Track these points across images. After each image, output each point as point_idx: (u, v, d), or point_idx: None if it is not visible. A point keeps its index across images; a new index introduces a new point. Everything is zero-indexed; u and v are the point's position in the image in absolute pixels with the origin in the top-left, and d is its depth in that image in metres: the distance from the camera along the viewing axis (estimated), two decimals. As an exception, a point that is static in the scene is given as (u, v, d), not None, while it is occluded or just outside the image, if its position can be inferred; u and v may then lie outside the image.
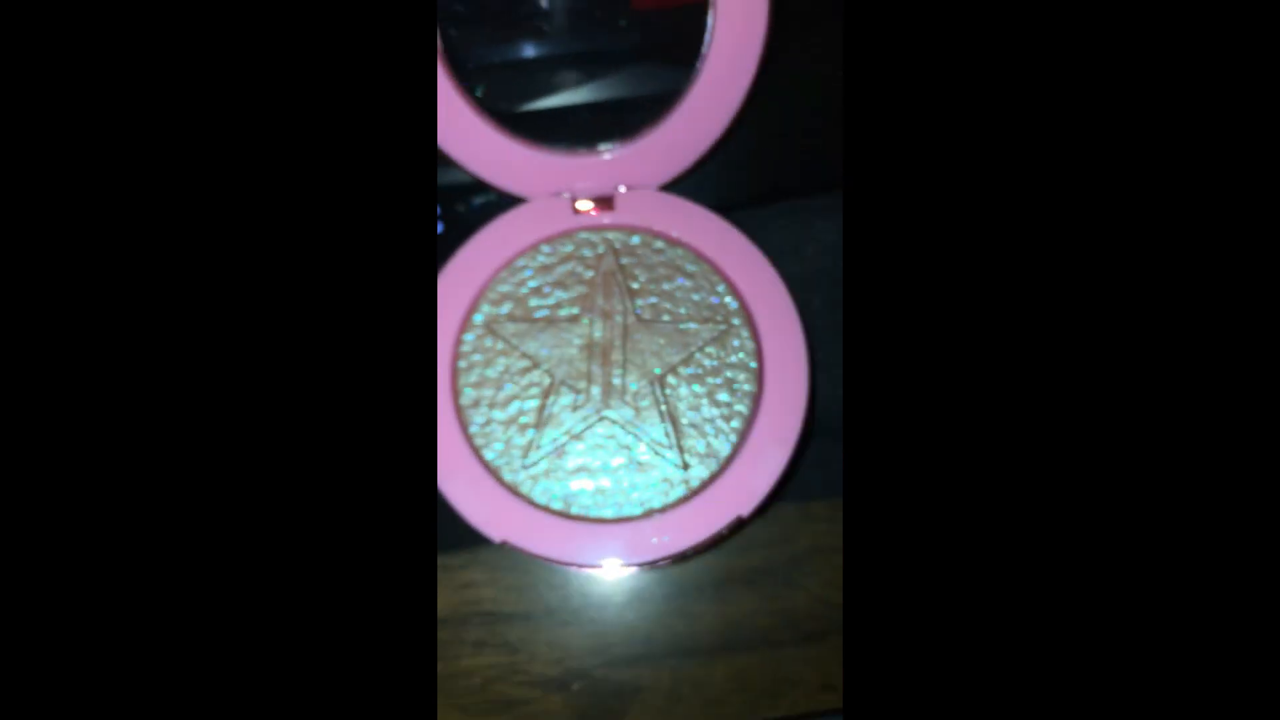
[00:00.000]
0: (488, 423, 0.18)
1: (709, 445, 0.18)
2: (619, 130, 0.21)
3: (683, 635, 0.22)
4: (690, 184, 0.21)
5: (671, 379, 0.19)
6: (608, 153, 0.20)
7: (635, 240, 0.20)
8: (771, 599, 0.22)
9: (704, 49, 0.20)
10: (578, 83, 0.23)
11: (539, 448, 0.18)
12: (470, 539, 0.22)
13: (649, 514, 0.18)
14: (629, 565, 0.18)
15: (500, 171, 0.20)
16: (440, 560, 0.22)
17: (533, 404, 0.18)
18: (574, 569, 0.18)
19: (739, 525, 0.18)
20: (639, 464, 0.18)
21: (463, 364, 0.19)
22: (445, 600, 0.22)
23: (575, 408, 0.18)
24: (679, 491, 0.18)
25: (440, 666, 0.22)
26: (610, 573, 0.19)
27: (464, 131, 0.20)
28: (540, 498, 0.18)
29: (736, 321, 0.19)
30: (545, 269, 0.20)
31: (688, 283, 0.19)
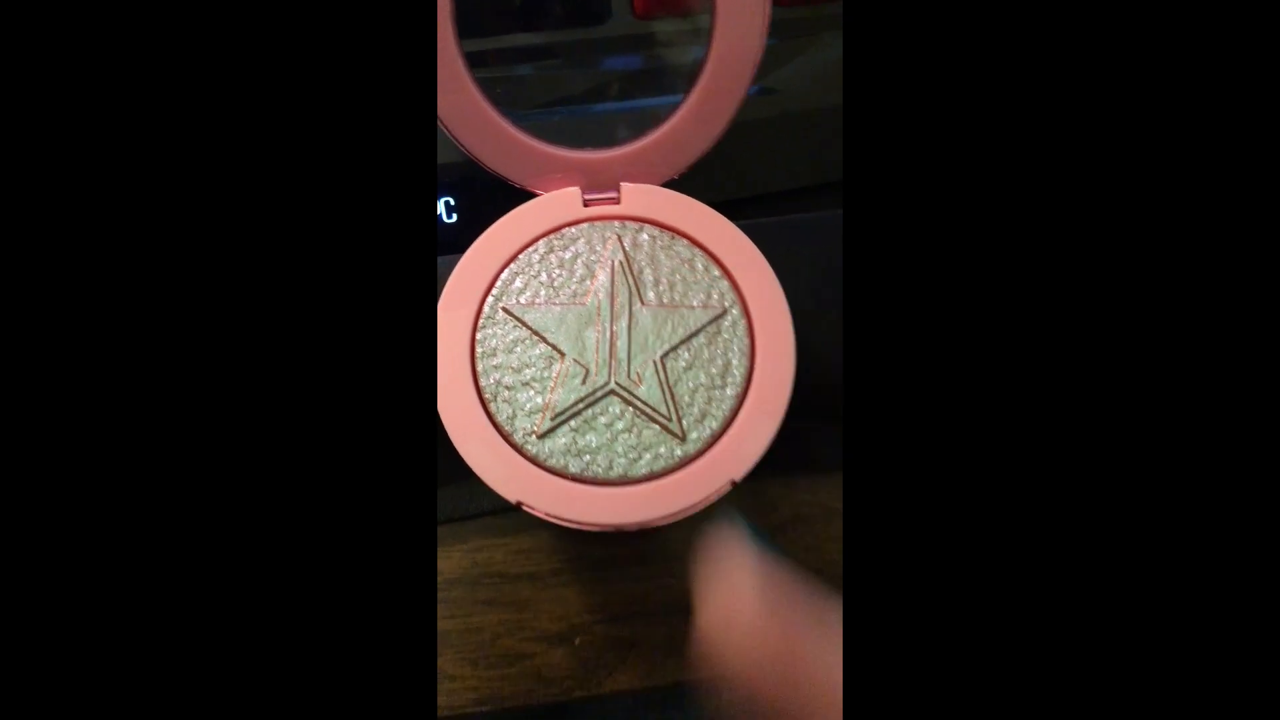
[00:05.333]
0: (503, 394, 0.20)
1: (705, 417, 0.20)
2: (626, 131, 0.23)
3: (676, 594, 0.24)
4: (692, 182, 0.22)
5: (672, 358, 0.20)
6: (615, 151, 0.22)
7: (640, 231, 0.22)
8: (758, 563, 0.24)
9: (704, 57, 0.22)
10: (588, 86, 0.25)
11: (550, 417, 0.20)
12: (483, 507, 0.24)
13: (651, 478, 0.20)
14: (634, 525, 0.19)
15: (517, 167, 0.22)
16: (456, 528, 0.24)
17: (545, 377, 0.20)
18: (578, 530, 0.20)
19: (731, 489, 0.20)
20: (641, 433, 0.20)
21: (480, 337, 0.20)
22: (458, 563, 0.24)
23: (584, 381, 0.20)
24: (678, 458, 0.20)
25: (453, 623, 0.23)
26: (613, 533, 0.21)
27: (483, 129, 0.22)
28: (550, 462, 0.20)
29: (731, 306, 0.21)
30: (558, 256, 0.21)
31: (687, 270, 0.21)
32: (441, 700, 0.22)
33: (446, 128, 0.22)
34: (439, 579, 0.23)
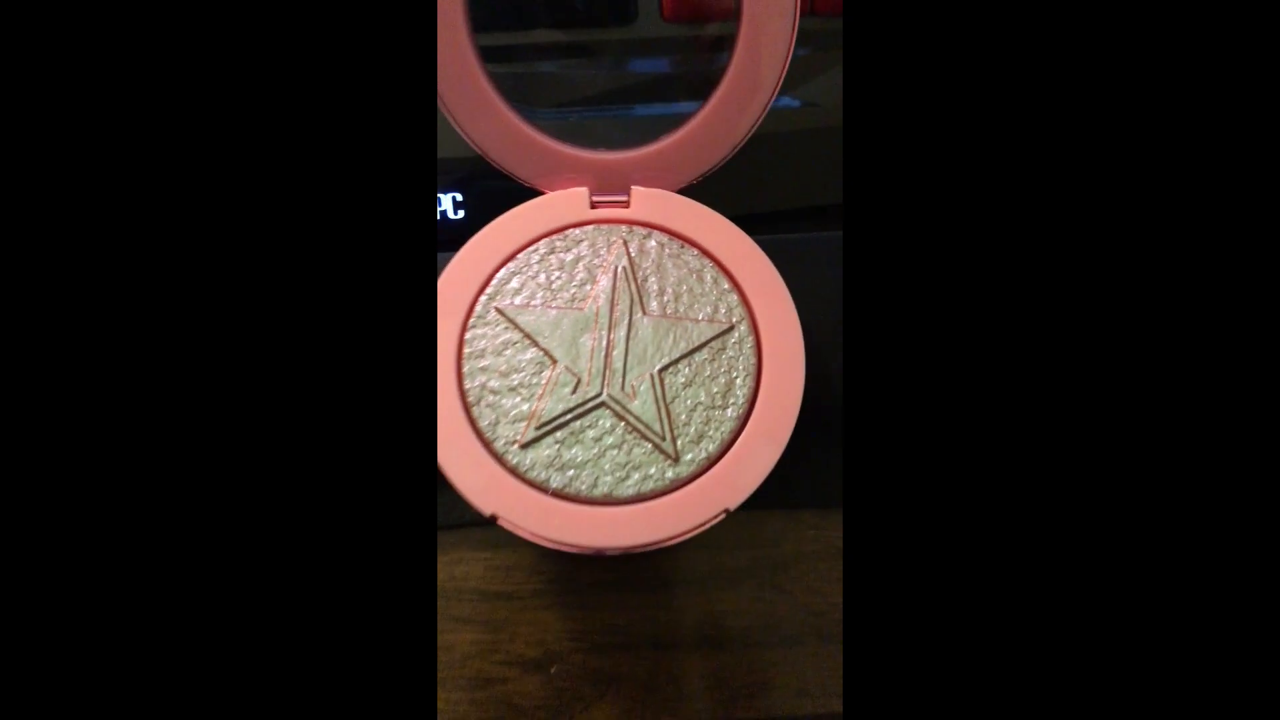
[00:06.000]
0: (487, 398, 0.19)
1: (702, 439, 0.19)
2: (641, 135, 0.22)
3: (663, 627, 0.22)
4: (705, 191, 0.21)
5: (671, 373, 0.19)
6: (627, 154, 0.21)
7: (647, 237, 0.20)
8: (754, 600, 0.22)
9: (728, 64, 0.21)
10: (610, 88, 0.24)
11: (535, 426, 0.19)
12: (463, 518, 0.23)
13: (638, 499, 0.18)
14: (615, 550, 0.18)
15: (524, 164, 0.21)
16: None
17: (534, 384, 0.19)
18: (559, 550, 0.18)
19: (725, 518, 0.18)
20: (631, 450, 0.19)
21: (469, 336, 0.19)
22: (434, 574, 0.22)
23: (574, 391, 0.19)
24: (669, 481, 0.18)
25: (423, 638, 0.22)
26: (596, 556, 0.20)
27: (491, 123, 0.21)
28: (530, 474, 0.18)
29: (739, 321, 0.20)
30: (559, 258, 0.20)
31: (694, 281, 0.20)
32: (404, 721, 0.21)
33: (454, 120, 0.21)
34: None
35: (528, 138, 0.21)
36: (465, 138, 0.21)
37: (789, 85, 0.25)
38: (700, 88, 0.22)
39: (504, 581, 0.22)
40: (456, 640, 0.22)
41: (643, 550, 0.18)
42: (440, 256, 0.24)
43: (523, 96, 0.22)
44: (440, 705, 0.21)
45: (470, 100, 0.21)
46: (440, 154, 0.23)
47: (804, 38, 0.24)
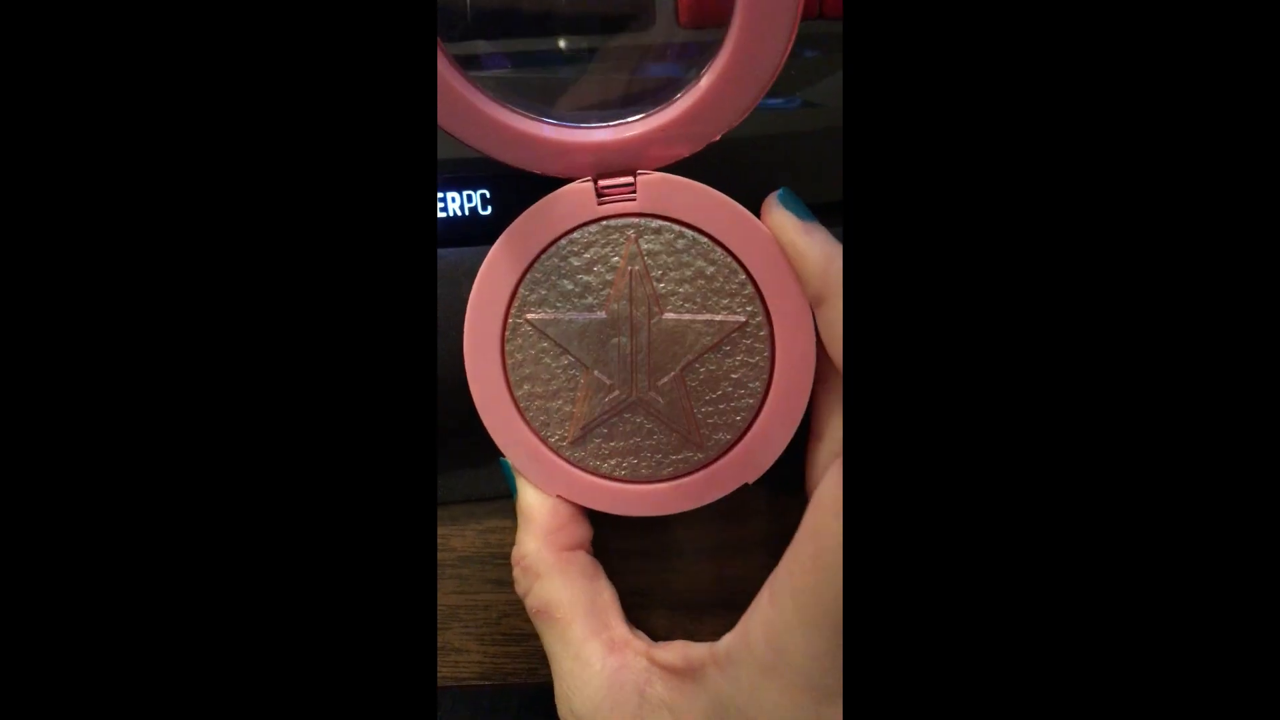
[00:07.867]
0: (536, 404, 0.21)
1: (724, 424, 0.21)
2: (638, 104, 0.21)
3: (679, 591, 0.24)
4: (710, 166, 0.21)
5: (691, 372, 0.21)
6: (632, 128, 0.20)
7: (658, 229, 0.21)
8: (762, 567, 0.25)
9: (731, 26, 0.19)
10: (622, 90, 0.25)
11: (579, 427, 0.21)
12: (495, 491, 0.25)
13: (674, 477, 0.21)
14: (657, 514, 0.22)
15: (526, 154, 0.20)
16: (469, 508, 0.25)
17: (571, 389, 0.21)
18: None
19: (745, 491, 0.21)
20: (662, 440, 0.21)
21: (509, 349, 0.21)
22: (470, 542, 0.25)
23: (608, 394, 0.21)
24: (698, 462, 0.21)
25: (461, 599, 0.24)
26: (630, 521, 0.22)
27: (481, 122, 0.20)
28: (584, 464, 0.22)
29: (753, 315, 0.21)
30: (571, 263, 0.21)
31: (709, 271, 0.21)
32: (446, 672, 0.23)
33: (443, 127, 0.20)
34: (452, 555, 0.24)
35: (523, 130, 0.20)
36: (460, 140, 0.20)
37: (792, 86, 0.26)
38: (701, 53, 0.22)
39: (535, 549, 0.24)
40: (493, 600, 0.24)
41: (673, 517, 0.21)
42: (473, 251, 0.25)
43: (537, 101, 0.22)
44: (479, 658, 0.24)
45: (452, 106, 0.20)
46: (467, 154, 0.24)
47: (812, 41, 0.25)
